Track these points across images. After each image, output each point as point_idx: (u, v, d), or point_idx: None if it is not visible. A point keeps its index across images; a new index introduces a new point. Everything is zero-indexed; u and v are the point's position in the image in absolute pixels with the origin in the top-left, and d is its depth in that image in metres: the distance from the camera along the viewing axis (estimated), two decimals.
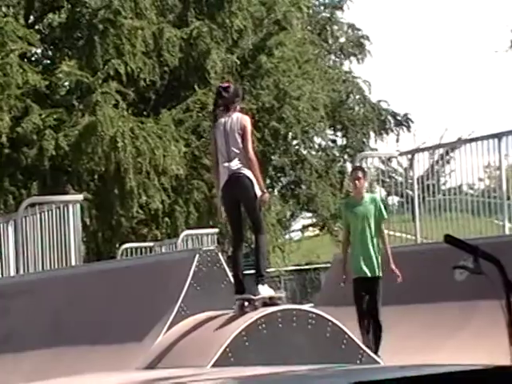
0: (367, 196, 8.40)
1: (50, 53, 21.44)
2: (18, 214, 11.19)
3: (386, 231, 8.39)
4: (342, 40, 26.23)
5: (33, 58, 21.14)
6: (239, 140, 7.28)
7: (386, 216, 8.43)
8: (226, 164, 7.27)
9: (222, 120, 7.36)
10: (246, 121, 7.41)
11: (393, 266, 8.05)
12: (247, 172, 7.27)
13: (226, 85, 7.59)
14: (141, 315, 7.99)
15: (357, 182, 8.33)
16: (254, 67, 21.29)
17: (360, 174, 8.38)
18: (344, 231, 8.64)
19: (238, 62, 20.86)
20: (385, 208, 8.51)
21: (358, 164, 11.46)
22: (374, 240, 8.14)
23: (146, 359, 7.09)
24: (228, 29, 20.72)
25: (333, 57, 26.38)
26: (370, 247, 8.11)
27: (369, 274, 8.06)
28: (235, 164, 7.24)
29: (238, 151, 7.27)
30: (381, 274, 8.10)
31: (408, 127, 25.39)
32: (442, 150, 13.93)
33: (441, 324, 8.47)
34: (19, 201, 15.99)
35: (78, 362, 7.84)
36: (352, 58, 25.76)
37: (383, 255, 8.11)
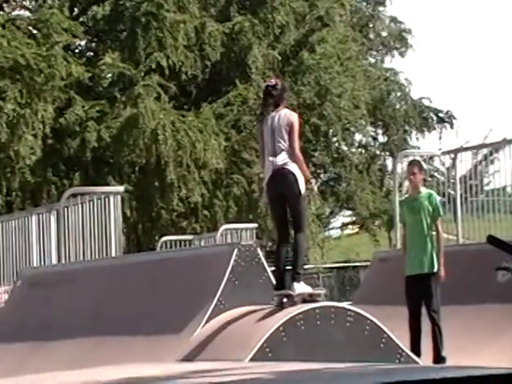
0: (424, 191, 8.26)
1: (93, 45, 21.63)
2: (60, 203, 11.33)
3: (441, 230, 8.19)
4: (384, 34, 26.05)
5: (76, 50, 21.35)
6: (286, 136, 7.29)
7: (442, 213, 8.28)
8: (272, 159, 7.28)
9: (270, 115, 7.38)
10: (294, 117, 7.43)
11: (440, 267, 7.93)
12: (293, 167, 7.28)
13: (273, 82, 7.56)
14: (179, 308, 8.05)
15: (412, 176, 8.24)
16: (295, 63, 21.26)
17: (416, 169, 8.26)
18: (401, 228, 8.51)
19: (280, 58, 20.84)
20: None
21: (400, 161, 11.38)
22: (429, 236, 8.00)
23: (183, 351, 7.13)
24: (270, 24, 20.72)
25: (374, 52, 26.22)
26: (424, 243, 7.97)
27: (422, 271, 7.91)
28: (281, 159, 7.26)
29: (283, 147, 7.28)
30: (435, 271, 7.91)
31: (451, 125, 25.13)
32: (485, 150, 13.77)
33: (481, 326, 8.38)
34: (61, 191, 16.17)
35: (117, 351, 7.92)
36: (394, 52, 25.55)
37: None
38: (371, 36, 26.01)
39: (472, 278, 8.69)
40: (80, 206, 11.13)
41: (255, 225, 16.10)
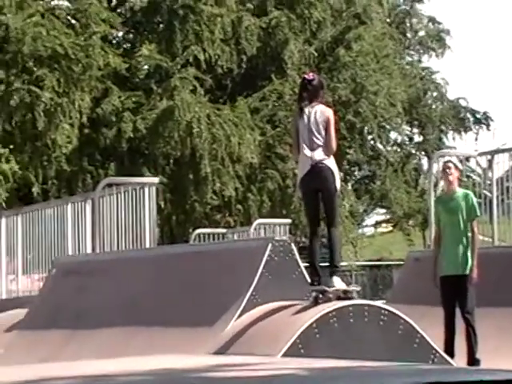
0: (460, 191, 8.20)
1: (130, 36, 21.74)
2: (96, 193, 11.40)
3: (477, 231, 8.08)
4: (422, 34, 25.87)
5: (114, 41, 21.48)
6: (323, 132, 7.30)
7: (478, 213, 8.20)
8: (309, 153, 7.28)
9: (306, 110, 7.38)
10: (330, 113, 7.44)
11: (474, 268, 7.86)
12: (330, 163, 7.30)
13: (311, 77, 7.58)
14: (212, 301, 8.07)
15: (447, 176, 8.18)
16: (331, 60, 21.18)
17: (452, 168, 8.21)
18: (435, 228, 8.44)
19: (316, 54, 20.79)
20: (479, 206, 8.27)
21: (436, 161, 11.30)
22: (464, 236, 7.93)
23: (216, 344, 7.16)
24: (307, 20, 20.67)
25: (411, 51, 26.05)
26: (460, 244, 7.90)
27: (457, 272, 7.84)
28: (318, 154, 7.26)
29: (321, 142, 7.29)
30: (470, 272, 7.84)
31: (487, 126, 24.89)
32: None
33: None
34: (97, 180, 16.30)
35: (149, 343, 7.97)
36: (431, 52, 25.37)
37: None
38: (408, 35, 25.83)
39: (507, 280, 8.61)
40: (115, 196, 11.19)
41: (289, 220, 16.08)
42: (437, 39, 25.35)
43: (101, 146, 19.64)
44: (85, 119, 18.71)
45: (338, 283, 7.25)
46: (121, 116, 19.31)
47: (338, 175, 7.41)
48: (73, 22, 19.79)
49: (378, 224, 28.63)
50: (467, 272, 7.86)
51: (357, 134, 21.50)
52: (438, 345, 7.42)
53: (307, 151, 7.27)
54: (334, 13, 21.25)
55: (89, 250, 11.22)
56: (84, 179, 19.23)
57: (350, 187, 22.74)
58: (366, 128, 21.61)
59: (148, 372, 3.07)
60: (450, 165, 8.39)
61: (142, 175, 16.99)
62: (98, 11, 19.30)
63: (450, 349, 7.67)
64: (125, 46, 21.60)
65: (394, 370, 3.05)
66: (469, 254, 7.92)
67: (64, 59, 18.37)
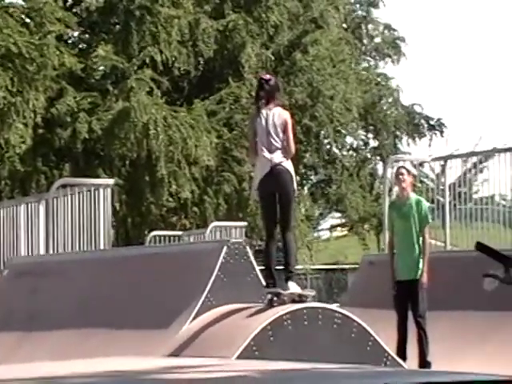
0: (413, 197, 8.28)
1: (86, 36, 21.58)
2: (50, 194, 11.29)
3: (428, 237, 8.20)
4: (378, 40, 26.14)
5: (69, 41, 21.30)
6: (281, 134, 7.33)
7: (430, 220, 8.29)
8: (269, 156, 7.30)
9: (263, 112, 7.39)
10: (288, 116, 7.48)
11: (424, 273, 7.96)
12: (288, 165, 7.33)
13: (267, 77, 7.61)
14: (167, 303, 8.05)
15: (402, 182, 8.27)
16: (288, 64, 21.29)
17: (405, 174, 8.30)
18: (389, 233, 8.53)
19: (273, 58, 20.87)
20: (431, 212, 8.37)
21: (390, 166, 11.43)
22: (416, 242, 8.02)
23: (170, 347, 7.14)
24: (264, 23, 20.74)
25: (367, 57, 26.30)
26: (413, 249, 7.99)
27: (409, 277, 7.94)
28: (278, 157, 7.28)
29: (279, 145, 7.31)
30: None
31: (441, 132, 25.23)
32: (475, 158, 13.84)
33: (467, 333, 8.43)
34: (51, 181, 16.14)
35: (103, 345, 7.92)
36: (387, 58, 25.64)
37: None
38: (365, 41, 26.07)
39: (459, 285, 8.74)
40: (69, 197, 11.09)
41: (245, 223, 16.12)
42: (392, 46, 25.63)
43: (55, 146, 19.45)
44: (39, 119, 18.51)
45: (293, 287, 7.28)
46: (76, 116, 19.15)
47: (294, 178, 7.45)
48: (27, 20, 19.58)
49: (333, 228, 28.80)
50: (418, 277, 7.96)
51: (313, 138, 21.63)
52: (391, 348, 7.50)
53: (266, 153, 7.29)
54: (291, 17, 21.35)
55: (42, 252, 11.09)
56: (38, 180, 19.02)
57: (306, 191, 22.85)
58: (322, 132, 21.75)
59: (100, 374, 3.05)
60: (403, 171, 8.49)
61: (97, 176, 16.87)
62: (53, 10, 19.12)
63: (402, 352, 7.76)
64: (80, 46, 21.43)
65: (347, 372, 3.07)
66: (420, 259, 8.03)
67: (18, 58, 18.16)
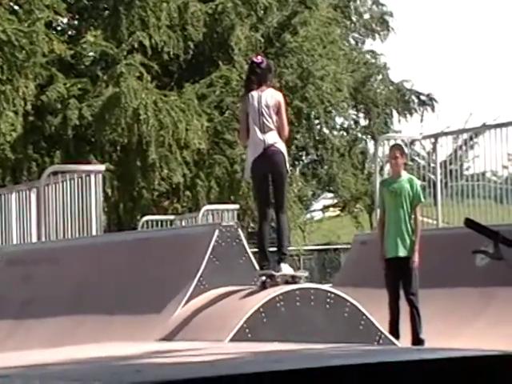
0: (405, 176, 8.26)
1: (75, 22, 21.47)
2: (41, 181, 11.26)
3: (419, 216, 8.20)
4: (366, 16, 26.03)
5: (59, 28, 21.19)
6: (274, 116, 7.28)
7: (422, 199, 8.26)
8: (262, 137, 7.25)
9: (255, 94, 7.32)
10: (280, 97, 7.42)
11: (415, 252, 7.97)
12: (282, 147, 7.30)
13: (259, 60, 7.51)
14: (160, 287, 8.06)
15: (394, 160, 8.25)
16: (278, 45, 21.21)
17: (398, 153, 8.26)
18: (380, 211, 8.51)
19: (262, 40, 20.79)
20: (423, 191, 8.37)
21: (381, 145, 11.42)
22: (408, 220, 8.01)
23: (163, 331, 7.16)
24: (253, 5, 20.66)
25: (356, 35, 26.19)
26: (404, 227, 7.98)
27: (401, 254, 7.92)
28: (271, 138, 7.24)
29: (272, 126, 7.27)
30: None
31: (432, 107, 25.18)
32: (466, 135, 13.84)
33: (459, 310, 8.46)
34: (42, 168, 16.09)
35: (96, 330, 7.93)
36: (376, 35, 25.53)
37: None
38: (353, 18, 25.95)
39: (451, 262, 8.76)
40: (61, 184, 11.07)
41: (237, 206, 16.11)
42: (380, 22, 25.52)
43: (46, 133, 19.40)
44: (29, 106, 18.44)
45: (286, 269, 7.28)
46: (66, 103, 19.09)
47: (287, 159, 7.43)
48: (16, 8, 19.45)
49: (325, 208, 28.82)
50: (409, 254, 7.98)
51: (304, 119, 21.60)
52: (384, 326, 7.52)
53: (259, 134, 7.25)
54: None
55: (34, 239, 11.08)
56: (29, 167, 18.98)
57: (297, 172, 22.85)
58: (312, 113, 21.72)
59: (94, 360, 3.05)
60: (396, 149, 8.48)
61: (88, 163, 16.82)
62: None
63: (394, 330, 7.78)
64: (70, 32, 21.33)
65: (340, 352, 3.08)
66: (412, 237, 8.04)
67: (7, 46, 18.07)
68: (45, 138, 19.56)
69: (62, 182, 11.07)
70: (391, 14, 25.73)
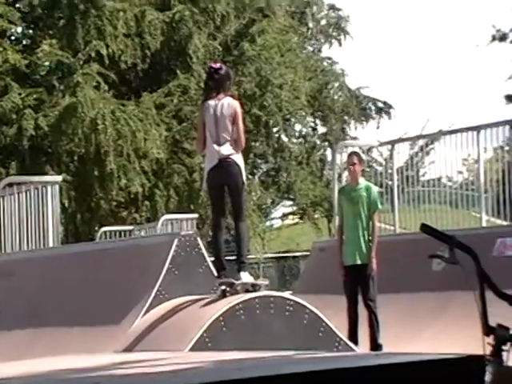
0: (363, 183, 8.32)
1: (30, 32, 21.28)
2: None
3: (377, 223, 8.28)
4: (323, 22, 26.19)
5: (13, 37, 20.98)
6: (230, 126, 7.25)
7: (379, 206, 8.33)
8: (217, 148, 7.22)
9: (212, 103, 7.28)
10: (237, 106, 7.37)
11: (372, 258, 8.04)
12: (237, 158, 7.28)
13: (217, 66, 7.45)
14: (118, 298, 8.00)
15: (351, 167, 8.31)
16: (236, 54, 21.27)
17: (355, 160, 8.31)
18: (339, 218, 8.56)
19: (220, 48, 20.83)
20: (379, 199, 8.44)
21: (339, 152, 11.50)
22: (366, 227, 8.07)
23: (123, 342, 7.11)
24: (210, 14, 20.68)
25: (312, 41, 26.34)
26: (361, 234, 8.04)
27: (359, 262, 8.00)
28: (226, 149, 7.21)
29: (228, 137, 7.24)
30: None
31: (389, 114, 25.44)
32: (422, 142, 14.02)
33: (417, 314, 8.55)
34: None
35: (54, 344, 7.84)
36: (333, 40, 25.67)
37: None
38: (310, 24, 26.10)
39: (408, 267, 8.84)
40: (16, 195, 10.96)
41: (196, 215, 16.09)
42: (337, 27, 25.69)
43: (1, 144, 19.17)
44: None
45: (245, 277, 7.28)
46: (21, 113, 18.90)
47: (244, 170, 7.43)
48: None
49: (285, 216, 28.93)
50: (367, 261, 8.04)
51: (262, 127, 21.66)
52: (343, 332, 7.57)
53: (215, 146, 7.23)
54: (238, 6, 21.31)
55: None
56: None
57: (256, 180, 22.90)
58: (271, 121, 21.80)
59: (52, 373, 3.02)
60: (354, 156, 8.54)
61: (45, 174, 16.65)
62: None
63: (353, 336, 7.83)
64: (24, 41, 21.13)
65: (300, 359, 3.10)
66: (369, 244, 8.10)
67: None
68: (0, 149, 19.33)
69: (18, 193, 10.96)
70: (347, 19, 25.94)
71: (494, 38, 25.83)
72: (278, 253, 27.39)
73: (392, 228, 10.93)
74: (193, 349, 6.58)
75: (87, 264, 8.74)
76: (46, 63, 19.84)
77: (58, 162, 19.22)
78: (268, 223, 26.71)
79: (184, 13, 20.27)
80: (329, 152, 24.41)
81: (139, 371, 2.87)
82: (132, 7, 19.91)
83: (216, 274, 7.53)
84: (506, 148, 11.12)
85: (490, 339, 2.48)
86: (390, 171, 11.66)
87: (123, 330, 7.42)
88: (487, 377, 2.38)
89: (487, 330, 2.48)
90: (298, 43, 23.45)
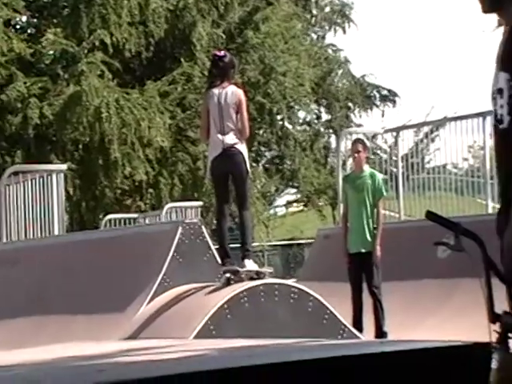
0: (367, 170, 8.30)
1: (35, 21, 21.25)
2: (1, 181, 11.14)
3: (382, 210, 8.27)
4: (327, 10, 26.07)
5: (18, 26, 20.95)
6: (234, 115, 7.22)
7: (384, 193, 8.30)
8: (221, 137, 7.20)
9: (216, 91, 7.25)
10: (241, 94, 7.33)
11: (377, 246, 8.04)
12: (241, 147, 7.26)
13: (221, 54, 7.41)
14: (123, 286, 8.02)
15: (356, 154, 8.28)
16: (240, 41, 21.21)
17: (360, 147, 8.28)
18: (343, 205, 8.54)
19: (224, 36, 20.77)
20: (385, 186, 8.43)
21: (343, 139, 11.48)
22: (371, 215, 8.05)
23: (128, 330, 7.12)
24: (214, 1, 20.62)
25: (317, 29, 26.23)
26: (366, 222, 8.03)
27: (363, 249, 7.98)
28: (230, 138, 7.18)
29: (232, 126, 7.21)
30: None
31: (393, 102, 25.33)
32: (427, 128, 13.98)
33: (422, 301, 8.55)
34: (3, 169, 15.90)
35: (60, 331, 7.86)
36: (337, 27, 25.56)
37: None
38: (314, 11, 25.97)
39: (413, 254, 8.84)
40: (22, 184, 10.98)
41: (200, 203, 16.10)
42: (341, 14, 25.56)
43: (6, 133, 19.19)
44: None
45: (250, 265, 7.29)
46: (27, 102, 18.90)
47: (247, 158, 7.41)
48: None
49: (289, 204, 28.89)
50: (371, 249, 8.03)
51: (266, 114, 21.63)
52: (347, 320, 7.57)
53: (218, 135, 7.20)
54: None
55: None
56: None
57: (260, 168, 22.88)
58: (275, 108, 21.76)
59: (58, 360, 3.03)
60: (358, 144, 8.52)
61: (50, 162, 16.68)
62: None
63: (358, 323, 7.83)
64: (29, 30, 21.10)
65: (304, 346, 3.11)
66: (374, 231, 8.09)
67: None
68: (5, 138, 19.35)
69: (23, 181, 10.98)
70: (351, 6, 25.81)
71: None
72: (283, 240, 27.39)
73: (397, 215, 10.91)
74: (197, 336, 6.59)
75: (92, 252, 8.76)
76: (51, 52, 19.83)
77: (62, 151, 19.24)
78: (272, 211, 26.70)
79: (188, 1, 20.22)
80: (333, 139, 24.34)
81: (144, 358, 2.88)
82: None
83: (220, 261, 7.54)
84: None
85: (496, 326, 2.47)
86: (394, 158, 11.64)
87: (128, 318, 7.44)
88: (493, 364, 2.38)
89: (493, 317, 2.47)
90: (302, 30, 23.36)
